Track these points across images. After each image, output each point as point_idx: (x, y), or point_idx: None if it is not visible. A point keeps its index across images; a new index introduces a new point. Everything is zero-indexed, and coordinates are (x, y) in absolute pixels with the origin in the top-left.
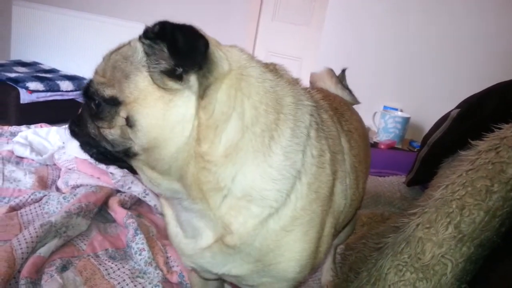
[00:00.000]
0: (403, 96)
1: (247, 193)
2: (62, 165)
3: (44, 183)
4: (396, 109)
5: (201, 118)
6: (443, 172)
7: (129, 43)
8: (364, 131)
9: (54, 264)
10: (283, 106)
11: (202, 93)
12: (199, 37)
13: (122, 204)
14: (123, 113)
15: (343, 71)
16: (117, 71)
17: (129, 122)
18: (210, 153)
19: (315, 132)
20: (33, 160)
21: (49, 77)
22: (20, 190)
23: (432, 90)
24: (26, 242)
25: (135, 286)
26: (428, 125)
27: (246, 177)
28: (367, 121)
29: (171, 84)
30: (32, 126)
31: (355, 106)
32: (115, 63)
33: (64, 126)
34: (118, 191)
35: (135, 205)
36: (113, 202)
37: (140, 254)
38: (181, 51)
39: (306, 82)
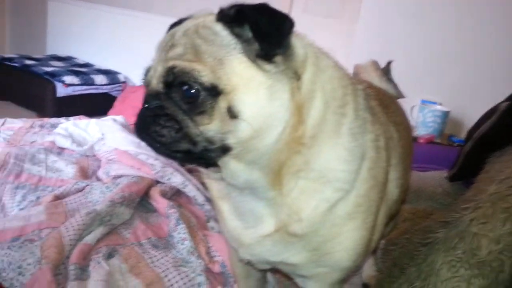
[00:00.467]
0: (442, 90)
1: (323, 174)
2: (102, 156)
3: (85, 173)
4: (435, 103)
5: (295, 100)
6: (491, 167)
7: (203, 25)
8: (408, 125)
9: (100, 251)
10: (346, 85)
11: (293, 74)
12: (283, 17)
13: (163, 195)
14: (223, 104)
15: (389, 63)
16: (207, 56)
17: (231, 113)
18: (304, 135)
19: (370, 116)
20: (73, 151)
21: (84, 71)
22: (62, 179)
23: (472, 83)
24: (74, 230)
25: (178, 274)
26: (468, 119)
27: (321, 158)
28: None
29: (267, 67)
30: (71, 118)
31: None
32: (198, 47)
33: (103, 118)
34: (158, 181)
35: (175, 195)
36: (155, 192)
37: (182, 244)
38: (266, 33)
39: None
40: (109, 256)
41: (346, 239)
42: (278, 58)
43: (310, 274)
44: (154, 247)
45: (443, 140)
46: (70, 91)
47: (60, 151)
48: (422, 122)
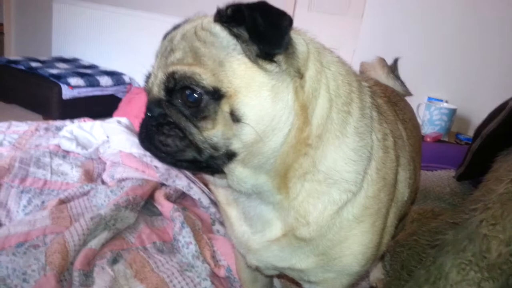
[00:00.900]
0: (449, 87)
1: (329, 176)
2: (107, 159)
3: (90, 177)
4: (441, 100)
5: (300, 100)
6: (500, 166)
7: (201, 27)
8: (417, 123)
9: (105, 257)
10: (351, 82)
11: (295, 73)
12: (281, 15)
13: (168, 198)
14: (226, 107)
15: (395, 61)
16: (207, 59)
17: (234, 117)
18: (310, 136)
19: (377, 114)
20: (79, 154)
21: (89, 73)
22: (67, 183)
23: (479, 80)
24: (78, 235)
25: (183, 279)
26: (475, 117)
27: (328, 158)
28: None
29: (269, 67)
30: (76, 120)
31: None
32: (198, 50)
33: (107, 120)
34: (163, 184)
35: (180, 198)
36: (159, 196)
37: (187, 248)
38: (264, 33)
39: None
40: (114, 261)
41: (354, 243)
42: (279, 57)
43: (318, 280)
44: (159, 252)
45: (450, 138)
46: (75, 93)
47: (65, 154)
48: (429, 120)
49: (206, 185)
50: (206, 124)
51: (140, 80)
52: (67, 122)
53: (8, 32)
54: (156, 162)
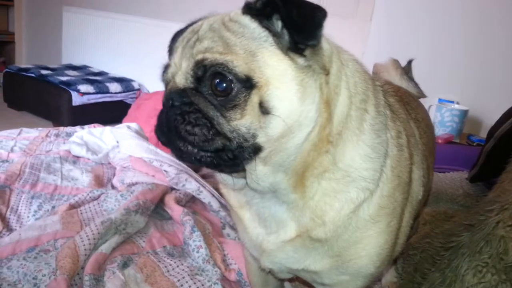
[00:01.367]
0: (460, 88)
1: (347, 173)
2: (117, 164)
3: (100, 182)
4: (452, 102)
5: (323, 97)
6: None
7: (229, 19)
8: (430, 123)
9: (115, 261)
10: (367, 80)
11: (320, 70)
12: (315, 7)
13: (178, 201)
14: (255, 98)
15: (409, 62)
16: (238, 49)
17: (264, 109)
18: (331, 133)
19: (390, 112)
20: (89, 159)
21: (98, 80)
22: (78, 188)
23: (490, 81)
24: (88, 239)
25: (194, 283)
26: (487, 118)
27: (346, 156)
28: None
29: (299, 60)
30: (86, 126)
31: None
32: (228, 40)
33: (117, 126)
34: (173, 188)
35: (189, 202)
36: (169, 199)
37: (197, 252)
38: (300, 24)
39: None
40: (124, 265)
41: (369, 244)
42: (307, 52)
43: (332, 282)
44: (169, 256)
45: (462, 140)
46: (85, 99)
47: (76, 159)
48: (440, 121)
49: (216, 189)
50: (234, 114)
51: (149, 86)
52: (77, 128)
53: (19, 41)
54: (166, 166)
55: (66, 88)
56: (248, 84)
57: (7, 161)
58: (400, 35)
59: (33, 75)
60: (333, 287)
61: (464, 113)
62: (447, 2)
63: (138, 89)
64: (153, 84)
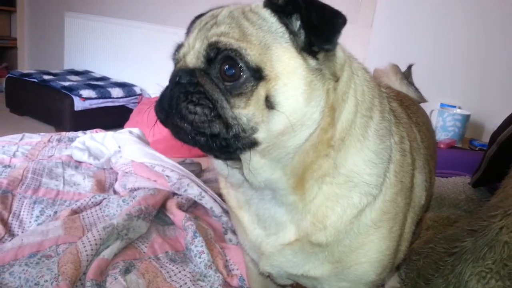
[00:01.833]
0: (461, 93)
1: (350, 178)
2: (119, 169)
3: (102, 187)
4: (454, 107)
5: (329, 101)
6: None
7: (250, 9)
8: (431, 127)
9: (117, 267)
10: (374, 88)
11: (330, 76)
12: (335, 12)
13: (180, 207)
14: (262, 91)
15: (409, 67)
16: (254, 39)
17: (269, 103)
18: (333, 138)
19: (393, 118)
20: (91, 164)
21: (100, 85)
22: (80, 193)
23: (492, 85)
24: (91, 245)
25: None
26: (489, 122)
27: (349, 161)
28: None
29: (311, 62)
30: (88, 131)
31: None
32: (245, 29)
33: (119, 131)
34: (175, 193)
35: (191, 207)
36: (171, 205)
37: (199, 257)
38: (318, 27)
39: None
40: (126, 271)
41: (371, 250)
42: (321, 55)
43: None
44: (171, 261)
45: (464, 145)
46: (87, 104)
47: (78, 164)
48: (442, 126)
49: (218, 194)
50: (239, 102)
51: (151, 91)
52: (80, 133)
53: (22, 46)
54: (168, 171)
55: (68, 93)
56: (257, 75)
57: (9, 166)
58: (401, 40)
59: (35, 80)
60: None
61: (466, 118)
62: (448, 7)
63: (140, 94)
64: (155, 89)
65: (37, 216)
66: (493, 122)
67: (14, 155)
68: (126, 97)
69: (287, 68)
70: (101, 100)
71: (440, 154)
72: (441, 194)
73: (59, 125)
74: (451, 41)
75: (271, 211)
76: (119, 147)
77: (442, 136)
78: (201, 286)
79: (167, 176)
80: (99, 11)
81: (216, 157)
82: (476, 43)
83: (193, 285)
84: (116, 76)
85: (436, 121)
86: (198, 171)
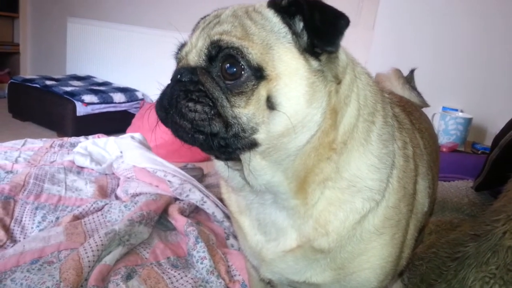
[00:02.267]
0: (463, 96)
1: (353, 183)
2: (120, 174)
3: (104, 192)
4: (456, 110)
5: (331, 104)
6: None
7: (253, 9)
8: (434, 133)
9: (119, 273)
10: (377, 93)
11: (332, 78)
12: (339, 14)
13: (181, 212)
14: (263, 91)
15: (411, 71)
16: (256, 38)
17: (270, 103)
18: (335, 141)
19: (397, 123)
20: (93, 169)
21: (102, 90)
22: (81, 199)
23: (494, 88)
24: (92, 251)
25: None
26: (491, 125)
27: (351, 165)
28: None
29: (313, 63)
30: (90, 136)
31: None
32: (248, 28)
33: (121, 136)
34: (176, 199)
35: (193, 212)
36: (173, 210)
37: (201, 263)
38: (321, 28)
39: None
40: (128, 277)
41: (373, 257)
42: (323, 57)
43: None
44: (173, 267)
45: (467, 148)
46: (89, 110)
47: (80, 170)
48: (444, 130)
49: (220, 199)
50: (239, 101)
51: (153, 96)
52: (82, 139)
53: (24, 51)
54: (170, 177)
55: (71, 99)
56: (259, 74)
57: (11, 172)
58: (403, 44)
59: (37, 85)
60: None
61: (469, 121)
62: (449, 10)
63: (142, 99)
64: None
65: (39, 222)
66: (495, 125)
67: (16, 161)
68: (128, 102)
69: (288, 69)
70: (103, 105)
71: (443, 157)
72: (444, 198)
73: (61, 130)
74: (453, 44)
75: (272, 216)
76: (121, 152)
77: (444, 139)
78: None
79: (169, 181)
80: (101, 17)
81: (217, 157)
82: (478, 47)
83: None
84: (118, 81)
85: (438, 124)
86: (200, 176)
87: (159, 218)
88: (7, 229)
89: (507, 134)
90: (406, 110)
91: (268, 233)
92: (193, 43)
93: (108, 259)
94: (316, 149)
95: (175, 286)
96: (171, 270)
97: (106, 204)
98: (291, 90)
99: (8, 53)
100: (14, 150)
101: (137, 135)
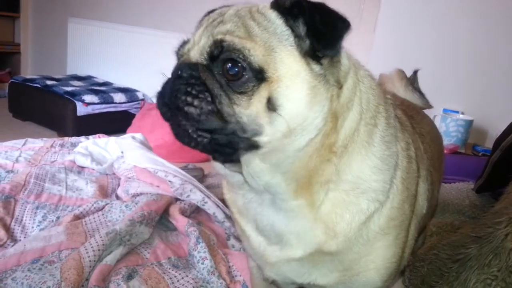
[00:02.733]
0: (464, 98)
1: (356, 185)
2: (121, 174)
3: (104, 192)
4: (457, 112)
5: (332, 108)
6: None
7: (257, 10)
8: (437, 136)
9: (120, 273)
10: (380, 96)
11: (334, 82)
12: (339, 18)
13: (182, 212)
14: (264, 93)
15: (415, 72)
16: (258, 39)
17: (270, 105)
18: (335, 144)
19: (399, 124)
20: (93, 169)
21: (103, 90)
22: (82, 199)
23: (495, 90)
24: (93, 250)
25: None
26: (492, 127)
27: (353, 168)
28: None
29: (315, 67)
30: (91, 136)
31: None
32: (251, 29)
33: (122, 136)
34: (177, 199)
35: (194, 213)
36: (174, 210)
37: (202, 263)
38: (321, 32)
39: None
40: (129, 277)
41: (378, 257)
42: (325, 61)
43: None
44: (174, 267)
45: (467, 150)
46: (90, 110)
47: (80, 170)
48: (445, 132)
49: (221, 199)
50: (240, 100)
51: (153, 97)
52: (82, 138)
53: (25, 51)
54: (171, 177)
55: (71, 99)
56: (260, 75)
57: (12, 171)
58: (404, 46)
59: (38, 85)
60: None
61: (469, 123)
62: (451, 12)
63: (142, 99)
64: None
65: (40, 222)
66: (496, 127)
67: (17, 160)
68: (128, 102)
69: (290, 71)
70: (103, 105)
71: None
72: (445, 200)
73: (61, 130)
74: (454, 46)
75: (270, 218)
76: (122, 152)
77: (445, 141)
78: None
79: (170, 181)
80: (102, 17)
81: (214, 158)
82: (479, 48)
83: None
84: (119, 81)
85: (439, 126)
86: (201, 177)
87: (160, 218)
88: (7, 229)
89: (508, 136)
90: (408, 114)
91: (268, 237)
92: (196, 40)
93: (109, 259)
94: (318, 151)
95: (176, 287)
96: (172, 270)
97: (107, 204)
98: (292, 93)
99: (9, 53)
100: (15, 149)
101: (138, 135)
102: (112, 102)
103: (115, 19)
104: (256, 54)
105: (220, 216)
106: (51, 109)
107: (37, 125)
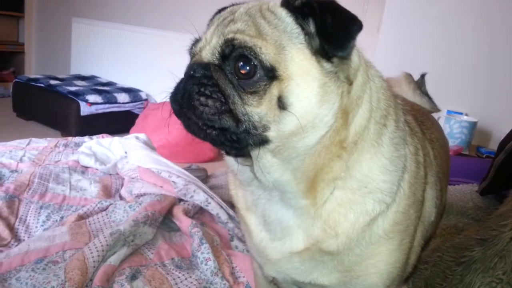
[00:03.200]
0: (468, 100)
1: (364, 184)
2: (125, 174)
3: (108, 192)
4: (461, 113)
5: (342, 104)
6: None
7: (267, 8)
8: (445, 142)
9: (123, 273)
10: (390, 97)
11: (344, 79)
12: (351, 18)
13: (186, 213)
14: (275, 91)
15: (422, 76)
16: (269, 38)
17: (281, 103)
18: (345, 140)
19: (409, 129)
20: (97, 169)
21: (106, 90)
22: (86, 199)
23: (499, 92)
24: (97, 251)
25: None
26: (496, 129)
27: (363, 166)
28: None
29: (325, 64)
30: (94, 136)
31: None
32: (261, 27)
33: (126, 136)
34: (181, 199)
35: (198, 213)
36: (178, 211)
37: (206, 264)
38: (332, 33)
39: None
40: (133, 277)
41: (380, 261)
42: (335, 59)
43: None
44: (177, 268)
45: (471, 152)
46: (93, 109)
47: (84, 170)
48: (449, 133)
49: (224, 200)
50: (252, 100)
51: (157, 96)
52: (86, 138)
53: (29, 51)
54: (174, 177)
55: (75, 98)
56: (271, 74)
57: (16, 171)
58: (408, 47)
59: (42, 85)
60: None
61: (473, 125)
62: (454, 13)
63: (146, 99)
64: (161, 94)
65: (44, 221)
66: (500, 129)
67: (21, 160)
68: (132, 102)
69: (300, 70)
70: (107, 105)
71: None
72: (449, 202)
73: (65, 130)
74: (458, 47)
75: (278, 214)
76: (126, 152)
77: (449, 143)
78: None
79: (173, 182)
80: (106, 17)
81: (227, 153)
82: (483, 50)
83: None
84: (122, 81)
85: (443, 128)
86: (204, 177)
87: (163, 219)
88: (11, 228)
89: None
90: (418, 120)
91: (273, 232)
92: (208, 39)
93: (113, 260)
94: (327, 148)
95: (179, 287)
96: (176, 271)
97: (111, 204)
98: (302, 91)
99: (13, 53)
100: (19, 149)
101: (142, 136)
102: (116, 102)
103: (119, 19)
104: (267, 53)
105: (223, 217)
106: (55, 108)
107: (40, 124)
